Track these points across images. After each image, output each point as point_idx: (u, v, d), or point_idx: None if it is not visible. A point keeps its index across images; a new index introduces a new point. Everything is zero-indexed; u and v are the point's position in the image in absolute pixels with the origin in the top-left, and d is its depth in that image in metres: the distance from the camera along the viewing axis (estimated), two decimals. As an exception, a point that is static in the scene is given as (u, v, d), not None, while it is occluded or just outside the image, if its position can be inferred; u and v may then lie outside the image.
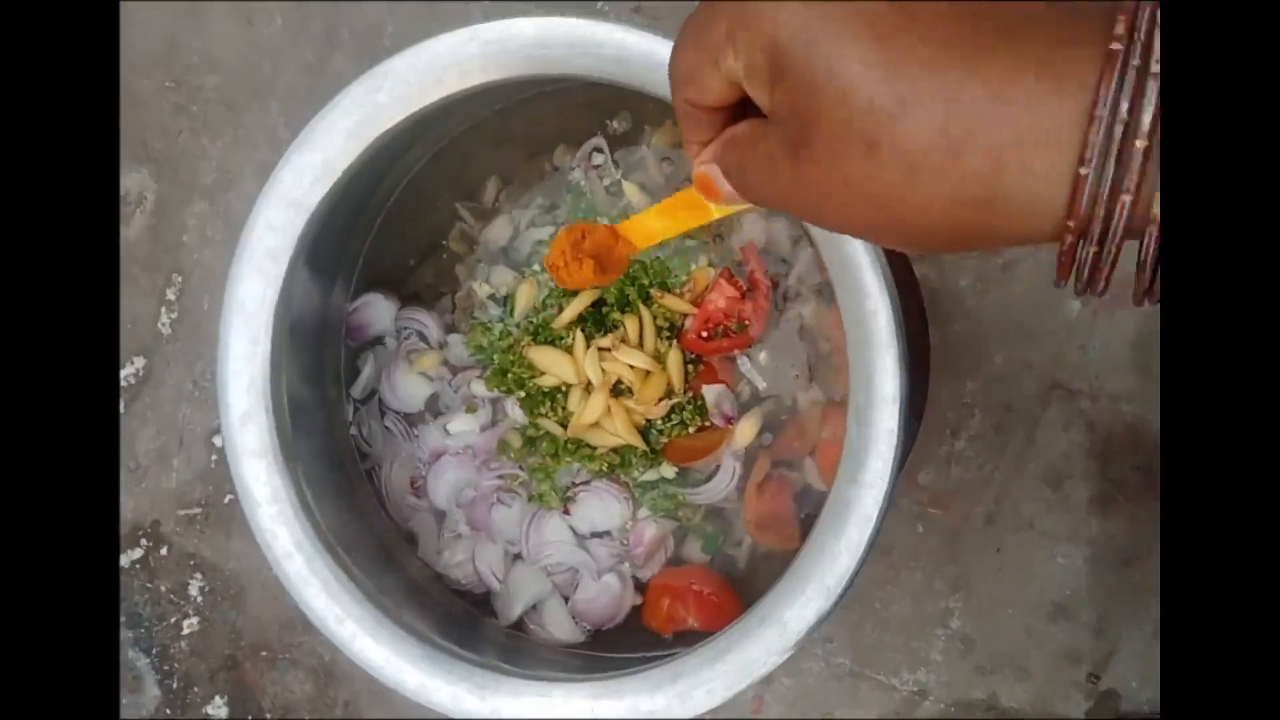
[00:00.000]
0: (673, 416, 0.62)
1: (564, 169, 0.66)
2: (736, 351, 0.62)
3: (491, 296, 0.65)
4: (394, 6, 0.88)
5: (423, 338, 0.66)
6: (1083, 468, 0.77)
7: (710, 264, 0.62)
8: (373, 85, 0.56)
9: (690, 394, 0.62)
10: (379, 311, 0.66)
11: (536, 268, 0.65)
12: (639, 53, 0.53)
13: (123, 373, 0.93)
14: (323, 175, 0.56)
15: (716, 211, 0.41)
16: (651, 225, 0.44)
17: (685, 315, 0.62)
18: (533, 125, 0.66)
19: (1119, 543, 0.77)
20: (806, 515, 0.63)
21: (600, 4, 0.85)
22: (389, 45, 0.89)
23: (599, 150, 0.65)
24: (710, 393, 0.62)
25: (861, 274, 0.50)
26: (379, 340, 0.67)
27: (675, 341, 0.62)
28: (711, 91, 0.32)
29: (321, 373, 0.65)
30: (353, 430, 0.67)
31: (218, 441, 0.91)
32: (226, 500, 0.91)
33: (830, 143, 0.28)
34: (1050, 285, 0.77)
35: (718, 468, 0.63)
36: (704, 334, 0.62)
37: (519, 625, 0.65)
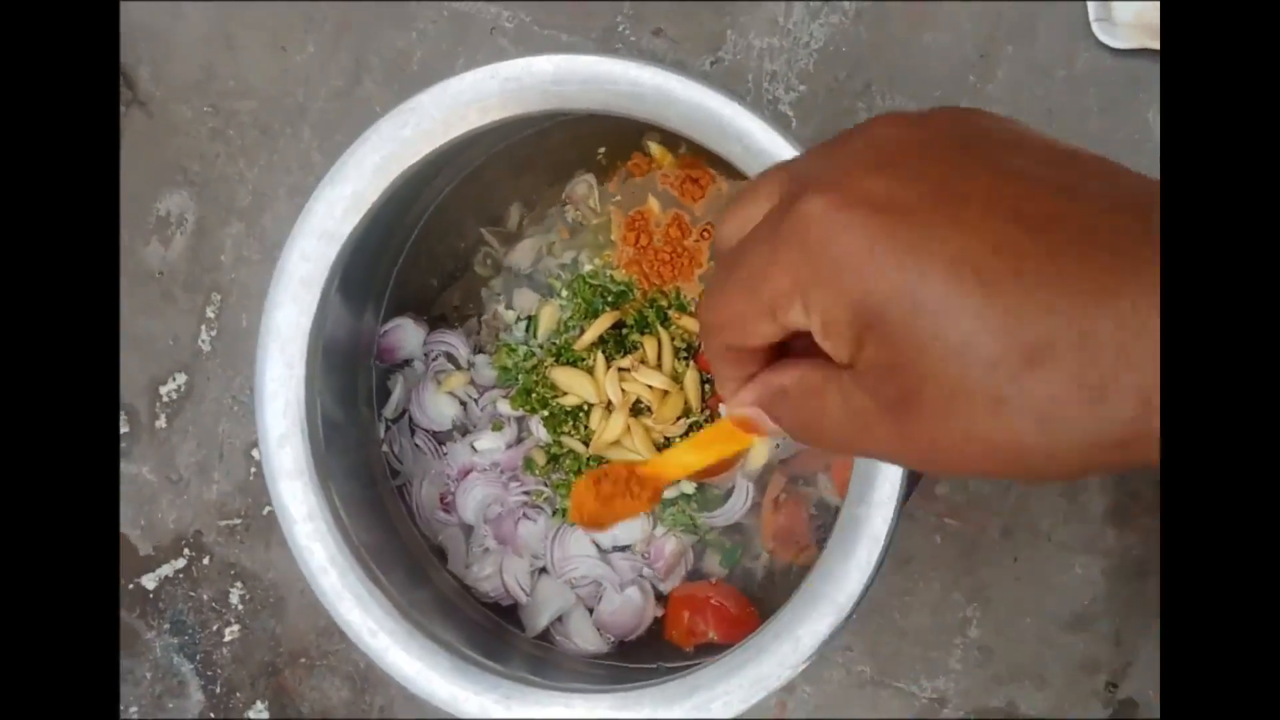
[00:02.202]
0: (690, 435, 0.64)
1: (559, 202, 0.68)
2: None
3: (517, 319, 0.68)
4: (421, 35, 0.91)
5: (451, 359, 0.69)
6: (1099, 480, 0.78)
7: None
8: (400, 121, 0.58)
9: (707, 412, 0.64)
10: (408, 335, 0.69)
11: (561, 291, 0.67)
12: (651, 88, 0.55)
13: (164, 389, 0.96)
14: (353, 207, 0.59)
15: (755, 440, 0.38)
16: (685, 459, 0.40)
17: (702, 337, 0.64)
18: (554, 152, 0.68)
19: (1136, 554, 0.78)
20: (821, 529, 0.65)
21: (621, 28, 0.87)
22: (416, 70, 0.92)
23: (587, 183, 0.67)
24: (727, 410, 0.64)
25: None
26: (408, 362, 0.69)
27: (692, 362, 0.64)
28: (759, 336, 0.29)
29: (354, 394, 0.68)
30: (384, 448, 0.69)
31: (256, 455, 0.94)
32: (265, 512, 0.94)
33: (944, 400, 0.25)
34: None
35: (732, 489, 0.65)
36: (720, 355, 0.64)
37: (545, 636, 0.67)
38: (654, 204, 0.66)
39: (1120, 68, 0.75)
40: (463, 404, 0.68)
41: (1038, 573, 0.80)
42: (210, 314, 0.96)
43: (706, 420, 0.64)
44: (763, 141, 0.53)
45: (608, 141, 0.67)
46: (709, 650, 0.64)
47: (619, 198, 0.67)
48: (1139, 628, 0.78)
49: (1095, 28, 0.74)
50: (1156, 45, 0.73)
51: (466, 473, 0.68)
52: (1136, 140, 0.75)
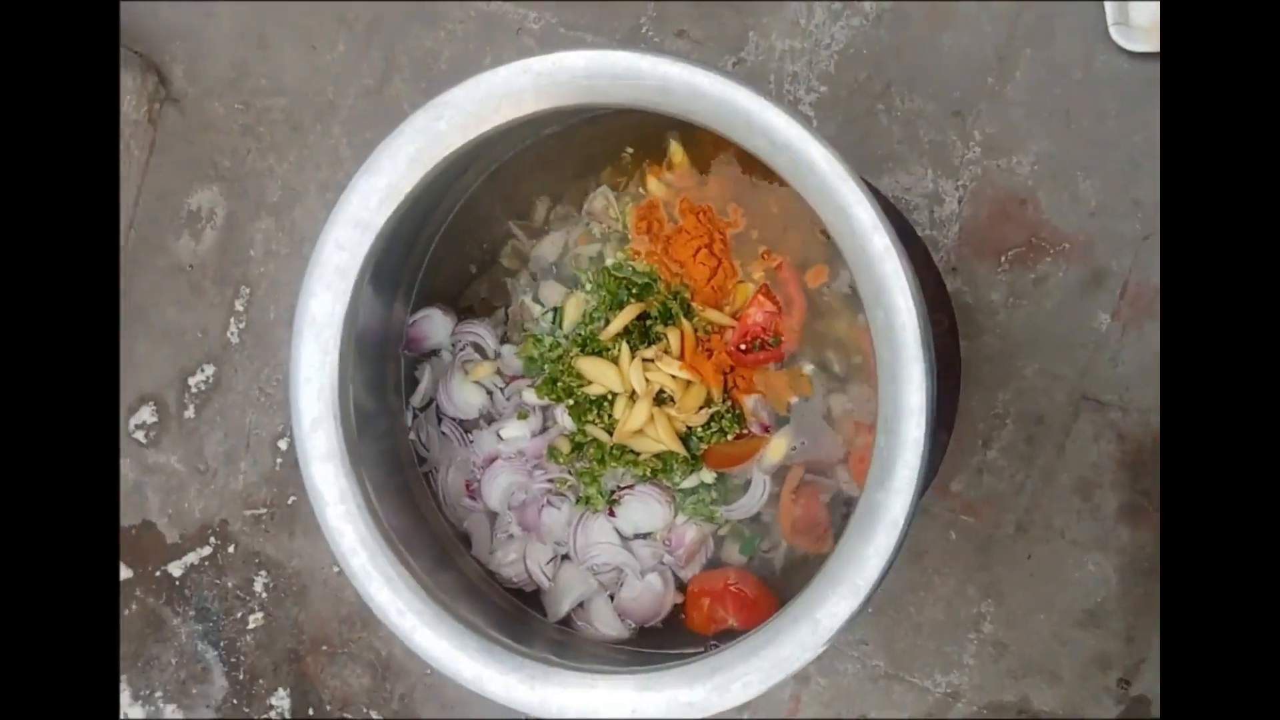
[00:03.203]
0: (712, 424, 0.65)
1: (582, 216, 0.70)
2: (772, 365, 0.66)
3: (544, 311, 0.69)
4: (450, 34, 0.93)
5: (478, 349, 0.70)
6: (1113, 478, 0.79)
7: (750, 280, 0.66)
8: (434, 114, 0.60)
9: (729, 403, 0.66)
10: (436, 325, 0.70)
11: (586, 284, 0.68)
12: (679, 83, 0.56)
13: (193, 380, 0.98)
14: (388, 197, 0.61)
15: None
16: None
17: (725, 328, 0.65)
18: (581, 147, 0.69)
19: (1148, 552, 0.79)
20: (839, 520, 0.66)
21: (645, 30, 0.88)
22: (444, 69, 0.94)
23: (604, 196, 0.69)
24: (750, 400, 0.65)
25: (892, 293, 0.53)
26: (435, 352, 0.71)
27: (715, 353, 0.65)
28: None
29: (383, 382, 0.70)
30: (411, 436, 0.71)
31: (283, 445, 0.96)
32: (290, 501, 0.96)
33: None
34: (1081, 300, 0.79)
35: (749, 482, 0.66)
36: (743, 346, 0.65)
37: (567, 622, 0.68)
38: (655, 186, 0.67)
39: (1137, 71, 0.77)
40: (489, 393, 0.70)
41: (1051, 569, 0.81)
42: (239, 307, 0.98)
43: (728, 411, 0.65)
44: (788, 136, 0.55)
45: (634, 140, 0.68)
46: (728, 637, 0.65)
47: (643, 190, 0.68)
48: (1151, 625, 0.79)
49: (1113, 31, 0.75)
50: (1174, 49, 0.74)
51: (492, 460, 0.69)
52: (1154, 142, 0.77)
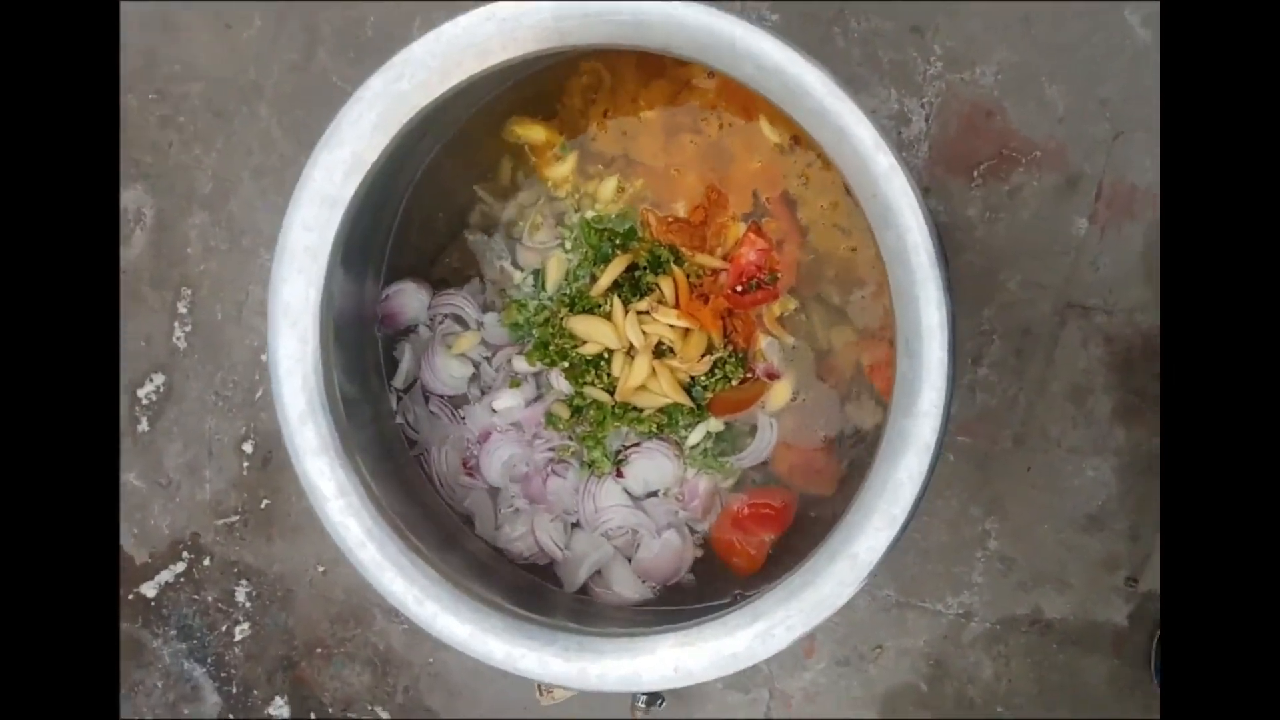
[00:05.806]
0: (715, 371, 0.63)
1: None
2: (765, 306, 0.64)
3: (524, 275, 0.66)
4: (374, -3, 0.88)
5: (458, 320, 0.67)
6: (1104, 381, 0.80)
7: (739, 218, 0.63)
8: (393, 75, 0.56)
9: (730, 348, 0.64)
10: (410, 299, 0.67)
11: (566, 242, 0.66)
12: (657, 15, 0.54)
13: (142, 391, 0.93)
14: (353, 169, 0.57)
15: None
16: None
17: (719, 271, 0.63)
18: (540, 99, 0.66)
19: (1145, 449, 0.80)
20: (849, 453, 0.65)
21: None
22: (371, 36, 0.89)
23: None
24: (764, 341, 0.63)
25: (901, 213, 0.52)
26: (412, 329, 0.68)
27: (712, 298, 0.63)
28: None
29: (363, 366, 0.66)
30: (398, 420, 0.68)
31: (248, 448, 0.92)
32: (263, 505, 0.92)
33: None
34: (1057, 207, 0.78)
35: (755, 427, 0.65)
36: (739, 288, 0.63)
37: (584, 591, 0.66)
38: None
39: (1091, -31, 0.76)
40: (475, 365, 0.67)
41: (1051, 479, 0.81)
42: (182, 309, 0.92)
43: (730, 356, 0.63)
44: (778, 60, 0.52)
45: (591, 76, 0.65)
46: (759, 579, 0.63)
47: (597, 139, 0.65)
48: (1154, 520, 0.80)
49: (1064, -69, 0.74)
50: (1126, -57, 0.73)
51: (487, 435, 0.66)
52: (1115, 41, 0.76)
